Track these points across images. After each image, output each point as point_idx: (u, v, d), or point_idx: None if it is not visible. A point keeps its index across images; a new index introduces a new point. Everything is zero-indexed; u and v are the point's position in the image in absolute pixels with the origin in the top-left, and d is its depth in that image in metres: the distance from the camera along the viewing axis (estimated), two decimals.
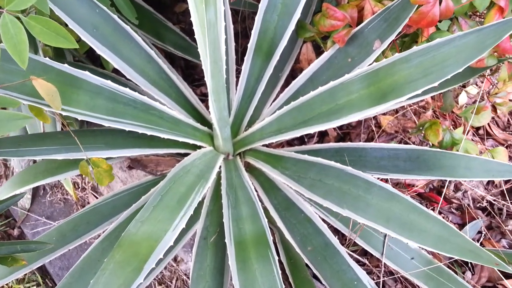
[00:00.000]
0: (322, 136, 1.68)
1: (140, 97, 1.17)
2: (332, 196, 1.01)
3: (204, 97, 1.73)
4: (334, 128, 1.66)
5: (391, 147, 1.24)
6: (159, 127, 1.21)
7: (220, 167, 1.28)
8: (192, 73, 1.92)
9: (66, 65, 1.01)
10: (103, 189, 1.86)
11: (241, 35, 1.81)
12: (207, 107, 1.48)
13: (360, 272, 1.08)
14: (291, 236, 1.16)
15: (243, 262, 0.93)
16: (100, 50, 1.16)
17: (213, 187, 1.28)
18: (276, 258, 0.94)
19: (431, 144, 1.28)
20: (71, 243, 1.21)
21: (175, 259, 1.88)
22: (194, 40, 1.66)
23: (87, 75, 1.04)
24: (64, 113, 1.00)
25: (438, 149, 1.19)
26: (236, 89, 1.38)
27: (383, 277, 1.33)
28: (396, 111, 1.61)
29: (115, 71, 1.36)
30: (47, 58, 0.99)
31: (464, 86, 1.48)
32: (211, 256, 1.07)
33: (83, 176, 2.09)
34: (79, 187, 2.10)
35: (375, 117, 1.65)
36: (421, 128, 1.37)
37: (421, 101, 1.62)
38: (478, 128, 1.62)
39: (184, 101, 1.37)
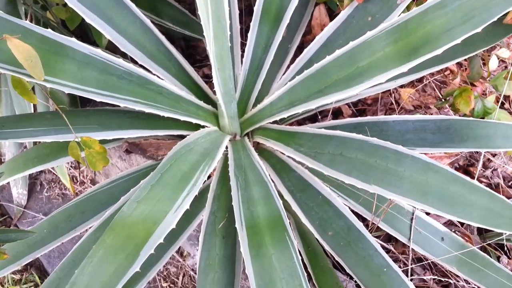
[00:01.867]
0: (336, 115, 1.55)
1: (135, 70, 1.04)
2: (356, 171, 0.88)
3: (207, 79, 1.61)
4: (348, 106, 1.53)
5: (417, 118, 1.11)
6: (158, 104, 1.09)
7: (226, 148, 1.15)
8: (193, 54, 1.79)
9: (49, 29, 0.89)
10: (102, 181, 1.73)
11: (244, 13, 1.69)
12: (211, 88, 1.36)
13: (389, 258, 0.95)
14: (309, 221, 1.04)
15: (257, 248, 0.81)
16: (90, 18, 1.03)
17: (220, 169, 1.16)
18: (295, 242, 0.82)
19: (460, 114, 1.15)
20: (65, 235, 1.09)
21: (181, 254, 1.75)
22: (195, 15, 1.55)
23: (74, 42, 0.92)
24: (48, 85, 0.88)
25: (471, 118, 1.06)
26: (241, 62, 1.25)
27: (411, 264, 1.20)
28: (414, 84, 1.47)
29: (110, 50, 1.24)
30: (27, 21, 0.87)
31: (490, 50, 1.34)
32: (220, 243, 0.95)
33: (80, 168, 1.98)
34: (77, 181, 1.98)
35: (393, 93, 1.52)
36: (447, 98, 1.23)
37: (442, 73, 1.49)
38: (506, 97, 1.48)
39: (185, 76, 1.25)
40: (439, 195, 0.79)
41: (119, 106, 1.02)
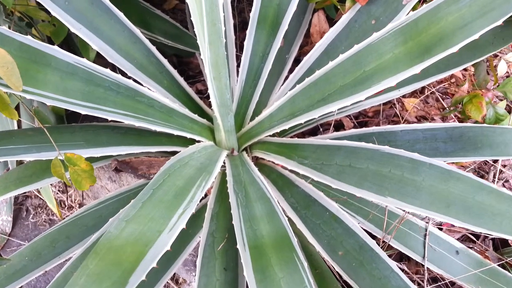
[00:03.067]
0: (337, 128, 1.48)
1: (124, 80, 0.97)
2: (368, 182, 0.80)
3: (201, 95, 1.54)
4: (350, 118, 1.47)
5: (426, 127, 1.04)
6: (149, 117, 1.01)
7: (224, 163, 1.07)
8: (186, 70, 1.73)
9: (29, 36, 0.82)
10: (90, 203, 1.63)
11: (239, 28, 1.63)
12: (205, 104, 1.29)
13: (407, 279, 0.87)
14: (316, 240, 0.95)
15: (262, 271, 0.72)
16: (75, 28, 0.96)
17: (217, 186, 1.07)
18: (305, 263, 0.73)
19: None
20: (48, 263, 0.99)
21: (176, 281, 1.64)
22: (187, 28, 1.49)
23: (56, 50, 0.85)
24: (28, 96, 0.80)
25: (485, 125, 1.00)
26: (237, 73, 1.18)
27: (427, 285, 1.11)
28: (417, 95, 1.41)
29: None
30: (4, 27, 0.79)
31: (495, 56, 1.29)
32: (220, 267, 0.85)
33: (68, 192, 1.88)
34: (65, 206, 1.88)
35: (395, 104, 1.46)
36: (456, 106, 1.17)
37: (448, 81, 1.43)
38: None
39: (178, 89, 1.18)
40: (464, 205, 0.71)
41: (107, 120, 0.94)
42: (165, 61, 1.13)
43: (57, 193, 1.90)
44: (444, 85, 1.37)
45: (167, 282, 1.36)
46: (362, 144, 0.87)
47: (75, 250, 1.01)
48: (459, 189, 0.72)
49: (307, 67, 1.10)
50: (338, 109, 1.18)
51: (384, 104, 1.52)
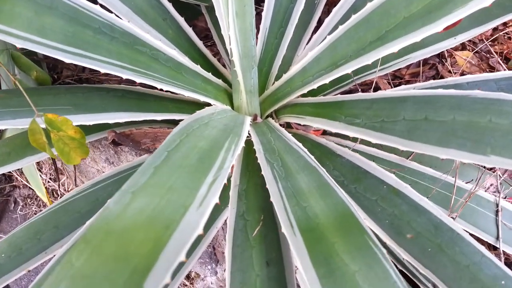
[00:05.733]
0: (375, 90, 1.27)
1: (119, 22, 0.75)
2: (458, 138, 0.59)
3: None
4: (387, 81, 1.25)
5: (500, 76, 0.83)
6: (152, 72, 0.79)
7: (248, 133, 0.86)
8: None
9: None
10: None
11: None
12: (220, 63, 1.07)
13: (504, 266, 0.66)
14: (373, 220, 0.74)
15: (325, 263, 0.51)
16: None
17: (241, 160, 0.86)
18: (384, 250, 0.52)
19: None
20: (32, 260, 0.77)
21: (187, 276, 1.43)
22: None
23: None
24: None
25: None
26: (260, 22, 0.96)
27: None
28: (469, 46, 1.20)
29: None
30: None
31: None
32: (259, 258, 0.64)
33: (61, 180, 1.66)
34: (58, 195, 1.66)
35: (435, 64, 1.24)
36: None
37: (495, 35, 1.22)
38: None
39: (186, 42, 0.96)
40: None
41: (100, 82, 0.73)
42: (169, 5, 0.90)
43: (48, 182, 1.68)
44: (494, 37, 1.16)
45: None
46: (440, 91, 0.66)
47: (66, 243, 0.80)
48: None
49: (348, 5, 0.88)
50: (369, 70, 0.97)
51: (423, 65, 1.31)
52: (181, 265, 0.74)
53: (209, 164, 0.50)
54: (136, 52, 0.78)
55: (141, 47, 0.79)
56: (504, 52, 1.26)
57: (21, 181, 1.75)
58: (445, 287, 0.66)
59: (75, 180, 1.37)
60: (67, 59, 0.66)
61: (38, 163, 1.65)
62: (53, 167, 1.69)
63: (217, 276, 1.27)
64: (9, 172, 1.77)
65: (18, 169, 1.78)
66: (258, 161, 0.73)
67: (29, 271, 0.78)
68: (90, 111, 0.82)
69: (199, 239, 0.81)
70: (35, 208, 1.71)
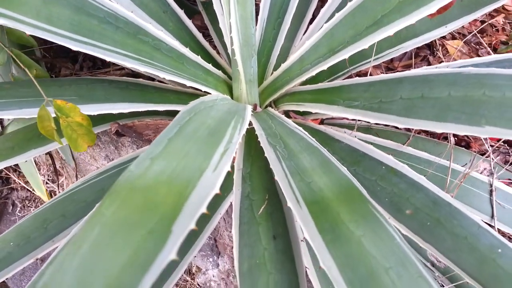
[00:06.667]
0: None
1: (122, 12, 0.77)
2: (454, 112, 0.62)
3: None
4: (381, 71, 1.28)
5: (495, 58, 0.86)
6: (155, 61, 0.81)
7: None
8: None
9: None
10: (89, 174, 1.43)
11: None
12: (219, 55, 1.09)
13: (499, 235, 0.69)
14: (374, 199, 0.76)
15: (331, 230, 0.53)
16: None
17: (243, 146, 0.88)
18: (387, 216, 0.54)
19: None
20: (39, 248, 0.79)
21: (188, 271, 1.45)
22: None
23: None
24: (1, 21, 0.60)
25: None
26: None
27: None
28: (458, 36, 1.23)
29: None
30: None
31: None
32: (266, 233, 0.66)
33: (59, 180, 1.66)
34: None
35: (427, 55, 1.28)
36: None
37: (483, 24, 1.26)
38: None
39: (187, 35, 0.98)
40: None
41: (98, 70, 0.75)
42: None
43: (46, 183, 1.68)
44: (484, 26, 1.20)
45: None
46: (435, 70, 0.69)
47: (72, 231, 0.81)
48: None
49: None
50: (364, 60, 1.00)
51: (415, 57, 1.35)
52: (180, 257, 0.75)
53: (218, 137, 0.52)
54: (139, 41, 0.80)
55: (143, 37, 0.81)
56: (493, 43, 1.30)
57: (19, 183, 1.76)
58: (445, 259, 0.69)
59: (76, 176, 1.38)
60: (74, 47, 0.68)
61: (36, 165, 1.66)
62: (51, 169, 1.70)
63: (219, 268, 1.28)
64: (7, 174, 1.77)
65: (16, 172, 1.78)
66: (261, 144, 0.75)
67: (37, 259, 0.79)
68: (94, 101, 0.83)
69: (201, 228, 0.83)
70: (33, 209, 1.71)
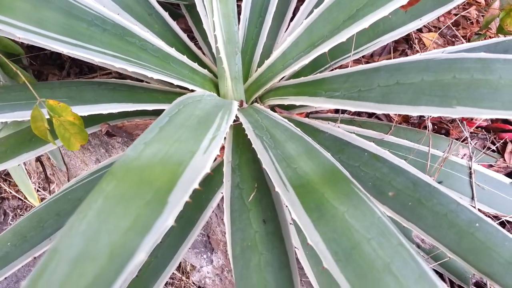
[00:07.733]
0: None
1: (109, 15, 0.80)
2: (427, 96, 0.66)
3: None
4: (361, 64, 1.33)
5: (465, 47, 0.91)
6: (142, 61, 0.84)
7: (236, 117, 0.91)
8: None
9: None
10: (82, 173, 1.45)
11: None
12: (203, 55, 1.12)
13: (476, 210, 0.73)
14: (358, 183, 0.80)
15: (317, 209, 0.56)
16: None
17: (231, 141, 0.91)
18: (369, 195, 0.58)
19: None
20: (37, 247, 0.81)
21: (183, 270, 1.47)
22: None
23: None
24: None
25: None
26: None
27: None
28: (433, 28, 1.29)
29: None
30: None
31: None
32: (256, 218, 0.69)
33: (51, 187, 1.67)
34: None
35: (404, 50, 1.33)
36: (487, 29, 1.05)
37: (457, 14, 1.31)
38: None
39: (172, 36, 1.01)
40: None
41: (93, 61, 0.77)
42: (154, 1, 0.96)
43: (38, 191, 1.69)
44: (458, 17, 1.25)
45: (173, 272, 1.19)
46: (409, 57, 0.73)
47: None
48: None
49: None
50: (344, 54, 1.04)
51: (394, 51, 1.40)
52: (169, 255, 0.78)
53: (207, 126, 0.55)
54: (126, 42, 0.83)
55: (130, 38, 0.84)
56: (468, 35, 1.36)
57: (10, 192, 1.76)
58: (427, 235, 0.73)
59: (68, 179, 1.40)
60: (65, 49, 0.70)
61: (27, 172, 1.66)
62: (41, 176, 1.71)
63: (213, 264, 1.31)
64: None
65: (6, 181, 1.79)
66: (248, 136, 0.78)
67: (35, 258, 0.81)
68: (84, 102, 0.86)
69: (184, 227, 0.86)
70: None
